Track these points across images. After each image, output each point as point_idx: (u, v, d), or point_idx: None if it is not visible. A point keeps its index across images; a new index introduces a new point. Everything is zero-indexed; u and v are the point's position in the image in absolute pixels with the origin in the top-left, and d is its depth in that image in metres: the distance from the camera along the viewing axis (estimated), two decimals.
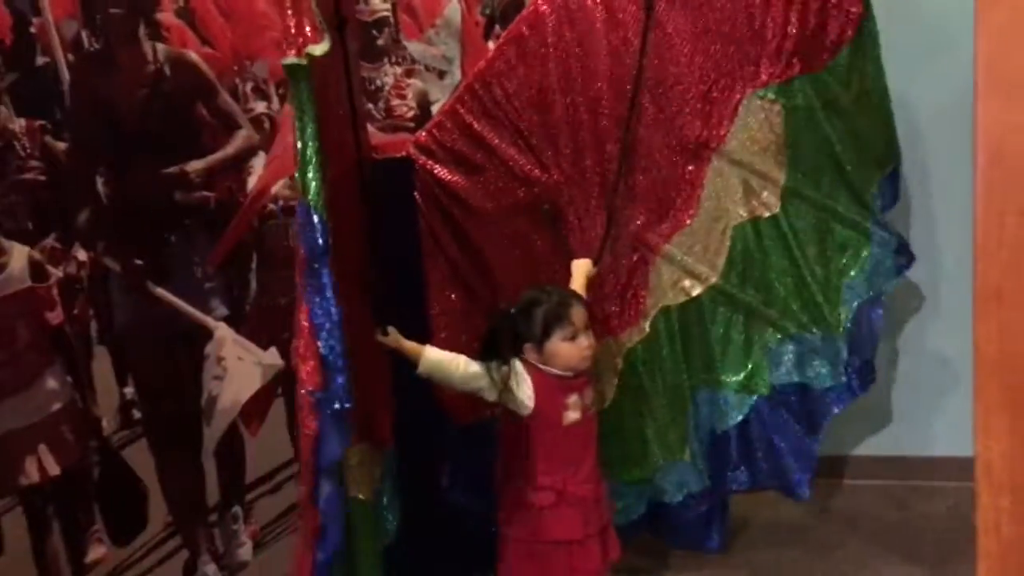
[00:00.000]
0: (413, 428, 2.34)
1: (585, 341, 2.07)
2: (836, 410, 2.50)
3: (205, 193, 2.25)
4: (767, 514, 2.83)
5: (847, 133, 2.42)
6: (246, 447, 2.38)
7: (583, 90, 2.41)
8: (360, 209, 2.13)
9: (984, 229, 0.87)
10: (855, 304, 2.48)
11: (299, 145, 1.70)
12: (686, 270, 2.49)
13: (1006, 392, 0.90)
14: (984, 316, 0.90)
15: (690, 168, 2.47)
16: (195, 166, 2.22)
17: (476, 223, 2.40)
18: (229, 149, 2.30)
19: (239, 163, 2.33)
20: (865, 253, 2.46)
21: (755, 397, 2.52)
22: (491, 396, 2.07)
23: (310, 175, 1.70)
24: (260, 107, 2.38)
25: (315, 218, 1.69)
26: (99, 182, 2.02)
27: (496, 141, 2.37)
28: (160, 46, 2.14)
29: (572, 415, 2.10)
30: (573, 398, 2.10)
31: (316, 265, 1.70)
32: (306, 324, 1.71)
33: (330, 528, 1.80)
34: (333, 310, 1.70)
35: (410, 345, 2.06)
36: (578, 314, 2.07)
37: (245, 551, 2.37)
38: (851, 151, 2.42)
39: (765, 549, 2.69)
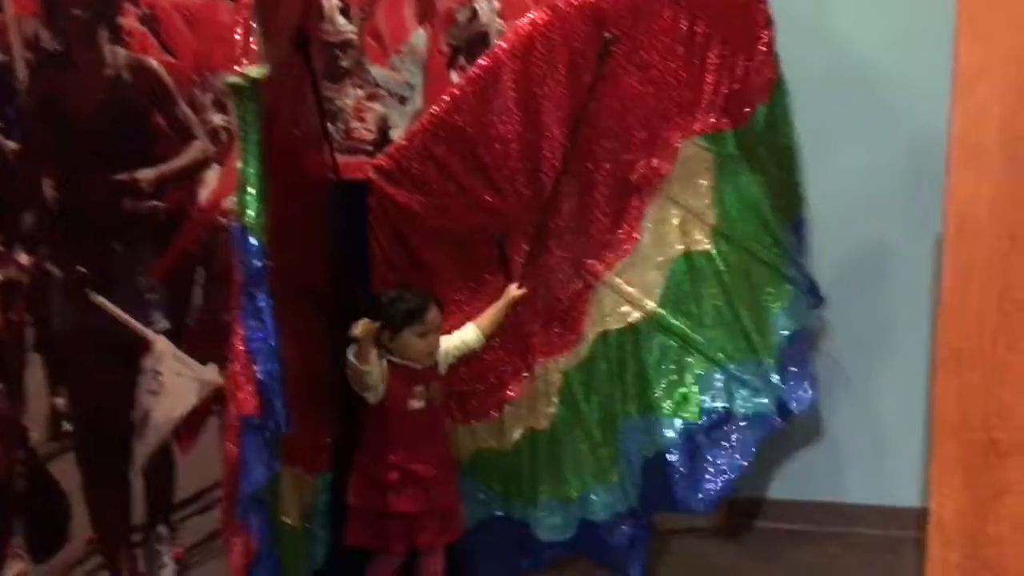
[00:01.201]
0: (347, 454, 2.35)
1: (434, 341, 2.33)
2: (760, 435, 2.64)
3: (155, 203, 2.20)
4: (685, 550, 2.92)
5: (765, 182, 2.67)
6: (177, 465, 2.31)
7: (541, 126, 2.50)
8: (321, 228, 2.12)
9: (949, 295, 0.92)
10: (782, 335, 2.68)
11: (240, 165, 1.68)
12: (626, 297, 2.64)
13: (962, 450, 0.94)
14: (944, 377, 0.94)
15: (634, 202, 2.64)
16: (146, 174, 2.18)
17: (429, 247, 2.48)
18: (182, 159, 2.26)
19: (192, 174, 2.29)
20: (785, 293, 2.69)
21: (685, 422, 2.64)
22: (374, 396, 2.28)
23: (249, 196, 1.68)
24: (218, 119, 2.34)
25: (252, 240, 1.68)
26: (47, 185, 1.96)
27: (456, 169, 2.44)
28: (120, 50, 2.09)
29: (416, 403, 2.33)
30: (419, 388, 2.33)
31: (252, 289, 1.68)
32: (242, 348, 1.69)
33: (264, 555, 1.76)
34: (271, 335, 1.67)
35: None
36: (432, 316, 2.32)
37: (168, 572, 2.30)
38: (768, 198, 2.67)
39: None
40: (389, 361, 2.30)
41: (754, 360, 2.63)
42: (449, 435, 2.52)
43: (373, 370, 2.22)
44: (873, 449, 2.96)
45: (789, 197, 2.75)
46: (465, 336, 2.46)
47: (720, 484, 2.64)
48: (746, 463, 2.64)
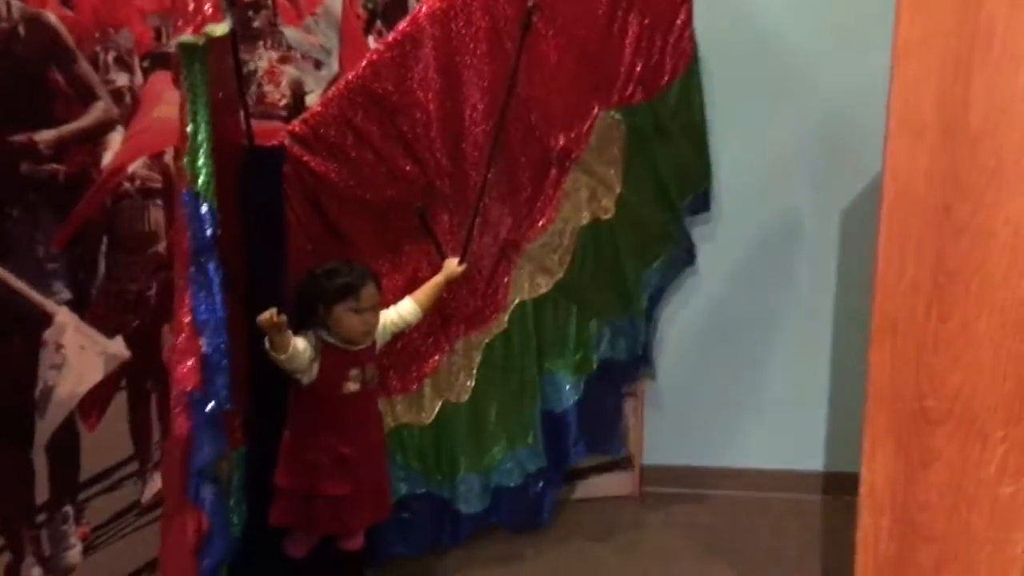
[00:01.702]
0: (263, 428, 2.28)
1: (369, 318, 2.23)
2: (636, 378, 2.97)
3: (55, 166, 2.08)
4: (599, 517, 2.98)
5: (670, 153, 2.80)
6: (82, 442, 2.21)
7: (462, 95, 2.49)
8: (234, 194, 2.04)
9: (885, 265, 0.93)
10: (648, 292, 2.90)
11: (189, 129, 1.60)
12: (541, 267, 2.75)
13: (894, 417, 0.96)
14: (879, 346, 0.95)
15: (553, 174, 2.71)
16: (45, 136, 2.05)
17: (347, 217, 2.43)
18: (84, 121, 2.13)
19: (94, 137, 2.17)
20: (666, 250, 2.88)
21: (585, 376, 2.84)
22: (307, 378, 2.20)
23: (200, 162, 1.62)
24: (122, 79, 2.22)
25: (203, 208, 1.61)
26: None
27: (374, 137, 2.40)
28: (15, 2, 1.96)
29: (352, 386, 2.26)
30: (355, 371, 2.26)
31: (203, 259, 1.62)
32: (187, 320, 1.62)
33: (216, 533, 1.71)
34: (219, 307, 1.61)
35: (289, 332, 2.09)
36: (368, 292, 2.22)
37: (74, 553, 2.21)
38: (670, 168, 2.81)
39: (605, 553, 2.79)
40: (323, 342, 2.21)
41: (629, 314, 2.86)
42: (380, 414, 2.47)
43: (295, 357, 2.13)
44: (780, 416, 3.07)
45: (697, 170, 2.85)
46: (402, 311, 2.39)
47: (614, 429, 2.98)
48: (622, 406, 3.00)
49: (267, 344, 2.07)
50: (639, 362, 2.91)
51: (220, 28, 1.60)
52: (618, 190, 2.75)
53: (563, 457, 2.87)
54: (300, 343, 2.15)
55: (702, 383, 3.09)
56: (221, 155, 1.90)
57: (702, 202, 2.93)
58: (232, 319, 2.00)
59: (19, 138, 2.00)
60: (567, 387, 2.82)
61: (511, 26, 2.47)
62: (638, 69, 2.69)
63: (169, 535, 1.78)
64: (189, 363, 1.62)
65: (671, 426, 3.12)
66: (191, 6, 1.57)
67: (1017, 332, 0.90)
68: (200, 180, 1.62)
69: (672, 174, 2.79)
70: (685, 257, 2.94)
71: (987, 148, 0.89)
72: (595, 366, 2.83)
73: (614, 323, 2.84)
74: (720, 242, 2.99)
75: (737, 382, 3.07)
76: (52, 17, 2.04)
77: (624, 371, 2.91)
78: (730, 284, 3.01)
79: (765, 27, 2.85)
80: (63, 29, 2.06)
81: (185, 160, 1.63)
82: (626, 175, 2.75)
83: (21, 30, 1.98)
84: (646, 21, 2.65)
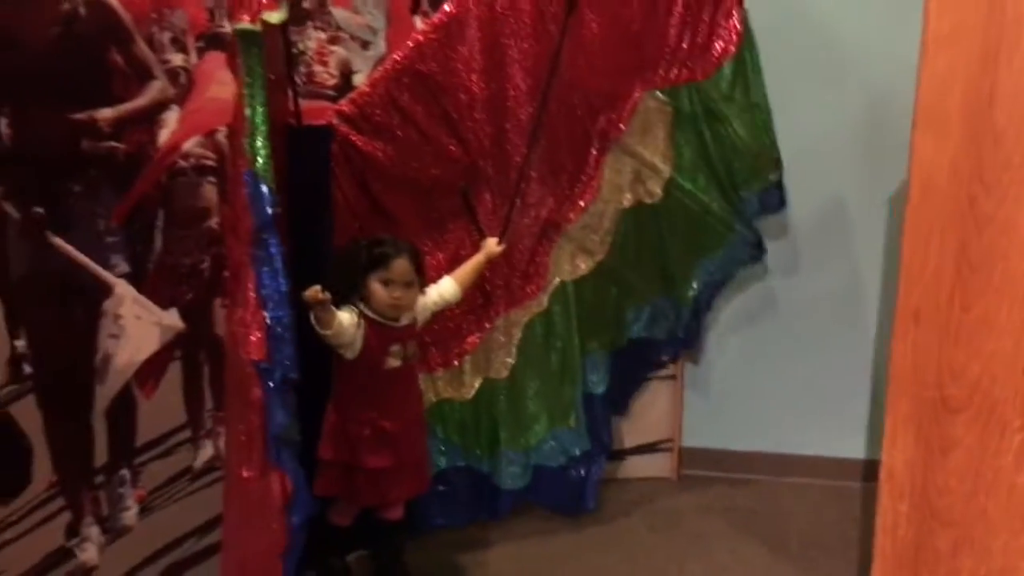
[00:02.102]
0: (309, 401, 2.35)
1: (397, 292, 2.23)
2: (665, 357, 2.96)
3: (114, 144, 2.15)
4: (639, 497, 3.00)
5: (725, 139, 2.70)
6: (138, 409, 2.30)
7: (506, 75, 2.52)
8: (282, 172, 2.10)
9: (910, 254, 0.95)
10: (706, 280, 2.84)
11: (247, 111, 1.66)
12: (581, 248, 2.75)
13: (915, 405, 0.98)
14: (902, 334, 0.97)
15: (594, 154, 2.71)
16: (105, 114, 2.12)
17: (392, 195, 2.48)
18: (141, 100, 2.21)
19: (151, 115, 2.23)
20: (725, 242, 2.79)
21: (614, 352, 2.87)
22: (350, 353, 2.24)
23: (259, 143, 1.68)
24: (177, 59, 2.29)
25: (264, 188, 1.68)
26: (2, 123, 1.91)
27: (420, 117, 2.43)
28: None
29: (393, 362, 2.30)
30: (395, 347, 2.29)
31: (264, 236, 1.69)
32: (253, 295, 1.69)
33: (300, 491, 1.82)
34: (281, 281, 1.69)
35: (333, 308, 2.13)
36: (400, 266, 2.23)
37: (131, 515, 2.30)
38: (727, 155, 2.71)
39: (642, 533, 2.82)
40: (366, 317, 2.25)
41: (672, 298, 2.84)
42: (421, 390, 2.52)
43: (340, 332, 2.17)
44: (823, 403, 3.03)
45: (760, 158, 2.71)
46: (443, 290, 2.42)
47: (630, 393, 2.99)
48: (646, 376, 3.01)
49: (312, 319, 2.14)
50: (678, 344, 2.91)
51: (276, 16, 1.66)
52: (667, 174, 2.70)
53: (605, 440, 2.88)
54: (345, 318, 2.19)
55: (743, 367, 3.08)
56: (273, 134, 1.96)
57: (774, 197, 2.77)
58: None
59: (80, 116, 2.07)
60: (602, 365, 2.85)
61: (555, 8, 2.47)
62: (684, 50, 2.64)
63: (246, 497, 1.86)
64: (257, 336, 1.69)
65: (711, 409, 3.12)
66: None
67: None
68: (259, 161, 1.68)
69: (729, 161, 2.69)
70: (750, 252, 2.81)
71: (1011, 143, 0.90)
72: (624, 342, 2.86)
73: (656, 305, 2.84)
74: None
75: (779, 367, 3.05)
76: None
77: (658, 349, 2.91)
78: (775, 268, 2.97)
79: (814, 10, 2.78)
80: (122, 10, 2.13)
81: (245, 142, 1.69)
82: (674, 159, 2.70)
83: (82, 11, 2.04)
84: (691, 2, 2.59)
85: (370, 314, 2.25)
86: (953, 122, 0.91)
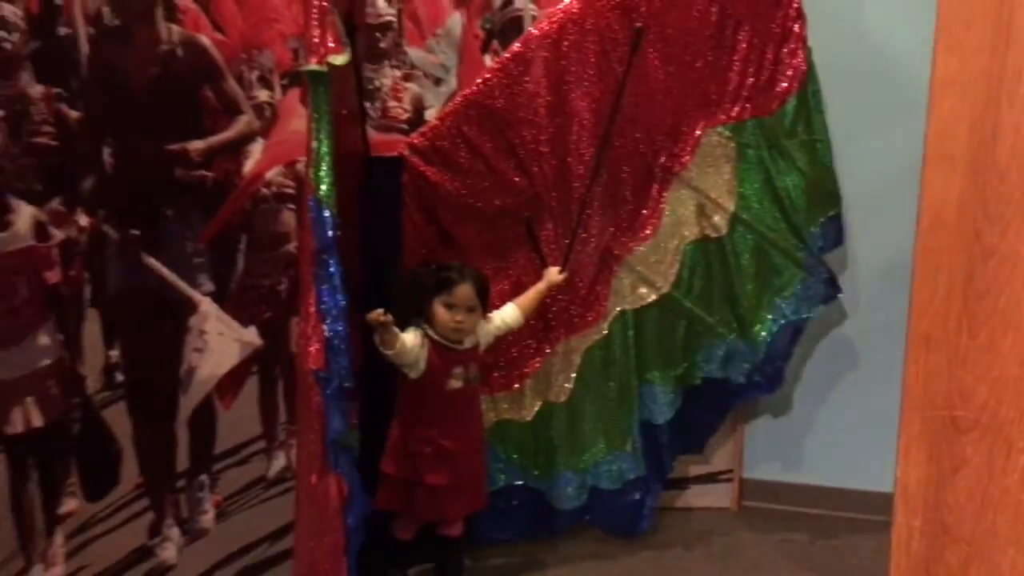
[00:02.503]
0: (375, 417, 2.46)
1: (459, 316, 2.34)
2: (744, 399, 2.91)
3: (203, 172, 2.32)
4: (698, 527, 3.01)
5: (790, 174, 2.70)
6: (218, 419, 2.45)
7: (570, 108, 2.60)
8: (354, 200, 2.24)
9: (920, 284, 1.01)
10: (780, 322, 2.77)
11: (313, 144, 1.81)
12: (643, 279, 2.76)
13: (926, 425, 1.04)
14: (914, 359, 1.04)
15: (655, 188, 2.73)
16: (196, 146, 2.30)
17: (459, 224, 2.59)
18: (230, 132, 2.38)
19: (238, 147, 2.41)
20: (796, 280, 2.74)
21: (687, 388, 2.83)
22: (414, 373, 2.34)
23: (323, 172, 1.82)
24: (263, 95, 2.46)
25: (326, 213, 1.82)
26: (106, 152, 2.09)
27: (487, 150, 2.55)
28: (175, 27, 2.22)
29: (455, 383, 2.40)
30: (458, 369, 2.39)
31: (325, 256, 1.83)
32: (313, 310, 1.83)
33: (356, 492, 1.94)
34: (339, 298, 1.82)
35: (396, 329, 2.24)
36: (463, 291, 2.34)
37: (208, 519, 2.44)
38: (793, 190, 2.70)
39: (699, 561, 2.83)
40: (430, 339, 2.36)
41: (749, 340, 2.77)
42: (482, 411, 2.61)
43: (402, 352, 2.28)
44: (885, 438, 2.93)
45: (821, 193, 2.72)
46: (505, 316, 2.51)
47: (705, 435, 2.96)
48: (724, 419, 2.96)
49: (376, 339, 2.25)
50: (757, 389, 2.83)
51: (340, 58, 1.81)
52: (731, 209, 2.70)
53: (662, 468, 2.89)
54: (409, 339, 2.31)
55: (805, 399, 3.06)
56: (344, 164, 2.11)
57: (834, 232, 2.78)
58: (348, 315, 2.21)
59: (174, 147, 2.26)
60: (667, 399, 2.81)
61: (619, 47, 2.56)
62: (747, 86, 2.66)
63: (313, 499, 1.99)
64: (316, 346, 1.83)
65: (772, 441, 3.11)
66: (316, 40, 1.78)
67: None
68: (323, 188, 1.83)
69: (795, 197, 2.69)
70: (823, 291, 2.74)
71: (1013, 179, 0.95)
72: (698, 381, 2.80)
73: (731, 345, 2.77)
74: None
75: (842, 400, 3.03)
76: (206, 40, 2.30)
77: (735, 393, 2.84)
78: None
79: (877, 47, 2.78)
80: (215, 51, 2.32)
81: (310, 171, 1.84)
82: (739, 194, 2.70)
83: (179, 52, 2.24)
84: (755, 39, 2.62)
85: (434, 336, 2.36)
86: (959, 160, 0.97)
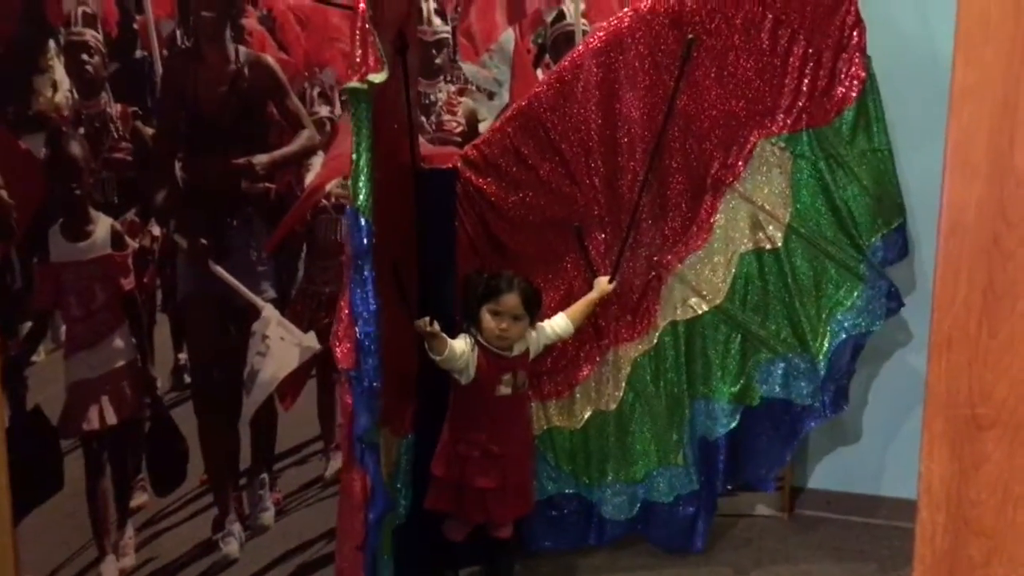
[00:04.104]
0: (430, 422, 2.56)
1: (504, 324, 2.40)
2: (811, 425, 2.76)
3: (267, 184, 2.44)
4: (747, 535, 3.02)
5: (849, 185, 2.66)
6: (278, 420, 2.55)
7: (620, 120, 2.65)
8: (411, 210, 2.33)
9: (941, 287, 1.05)
10: (841, 336, 2.70)
11: (354, 156, 1.91)
12: (695, 290, 2.74)
13: (949, 424, 1.07)
14: (936, 359, 1.07)
15: (707, 199, 2.72)
16: (261, 159, 2.42)
17: (511, 234, 2.67)
18: (293, 147, 2.49)
19: (300, 160, 2.52)
20: (856, 293, 2.68)
21: (746, 408, 2.76)
22: (464, 378, 2.41)
23: (361, 183, 1.92)
24: (324, 111, 2.58)
25: (362, 221, 1.92)
26: (177, 166, 2.22)
27: (537, 161, 2.62)
28: (242, 48, 2.34)
29: (504, 389, 2.46)
30: (507, 376, 2.45)
31: (360, 262, 1.92)
32: (347, 311, 1.93)
33: (378, 490, 2.00)
34: (372, 301, 1.91)
35: (443, 336, 2.32)
36: (509, 300, 2.41)
37: (268, 516, 2.54)
38: (852, 201, 2.66)
39: (747, 568, 2.85)
40: (480, 345, 2.43)
41: (809, 356, 2.70)
42: (531, 418, 2.66)
43: (451, 359, 2.36)
44: None
45: (884, 204, 2.67)
46: (555, 325, 2.57)
47: (774, 466, 2.82)
48: (794, 448, 2.82)
49: (426, 346, 2.34)
50: (822, 412, 2.72)
51: (379, 76, 1.91)
52: (786, 220, 2.66)
53: (715, 484, 2.84)
54: (458, 346, 2.38)
55: (857, 407, 3.04)
56: (397, 176, 2.20)
57: (899, 244, 2.71)
58: (403, 322, 2.30)
59: (240, 161, 2.37)
60: (723, 415, 2.76)
61: (670, 59, 2.59)
62: (803, 96, 2.63)
63: (344, 495, 2.08)
64: (347, 347, 1.92)
65: (823, 450, 3.13)
66: (358, 59, 1.89)
67: None
68: (360, 199, 1.93)
69: (853, 208, 2.65)
70: (885, 304, 2.68)
71: None
72: (757, 400, 2.74)
73: (789, 361, 2.72)
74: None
75: (894, 408, 3.01)
76: (270, 60, 2.42)
77: (799, 415, 2.74)
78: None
79: (940, 55, 2.75)
80: (279, 69, 2.44)
81: (349, 182, 1.95)
82: (795, 205, 2.67)
83: (246, 71, 2.36)
84: (811, 48, 2.59)
85: (484, 343, 2.44)
86: (979, 166, 1.01)
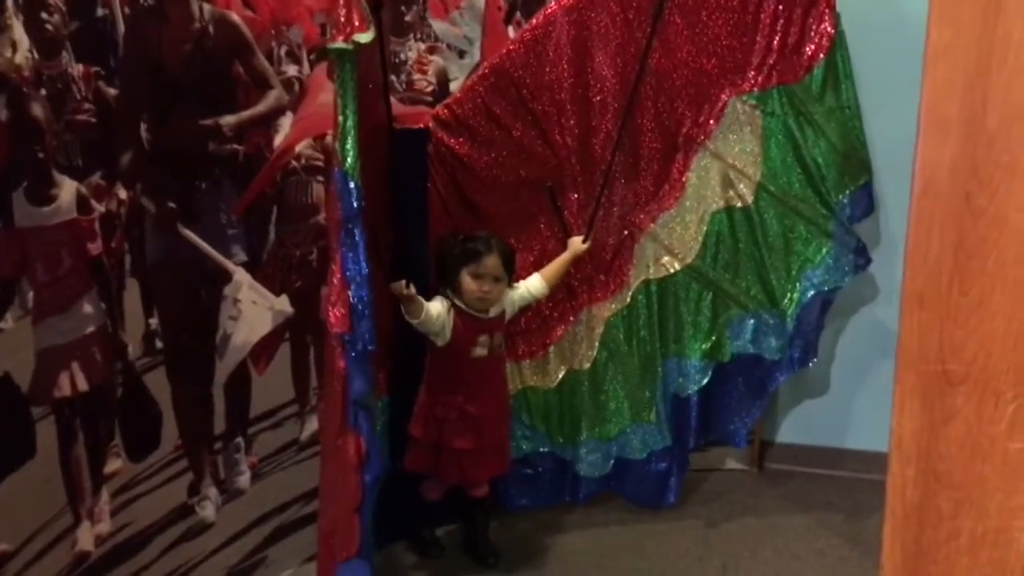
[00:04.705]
0: (405, 383, 2.56)
1: (486, 286, 2.40)
2: (781, 379, 2.82)
3: (235, 146, 2.40)
4: (718, 488, 3.08)
5: (818, 142, 2.67)
6: (252, 384, 2.54)
7: (592, 78, 2.64)
8: (385, 171, 2.31)
9: (914, 245, 1.07)
10: (809, 293, 2.74)
11: (340, 119, 1.89)
12: (667, 248, 2.76)
13: (920, 379, 1.10)
14: (908, 316, 1.09)
15: (679, 157, 2.74)
16: (228, 120, 2.37)
17: (483, 194, 2.65)
18: (261, 107, 2.45)
19: (268, 121, 2.48)
20: (825, 250, 2.72)
21: (718, 364, 2.80)
22: (440, 340, 2.41)
23: (348, 146, 1.89)
24: (292, 70, 2.53)
25: (351, 184, 1.89)
26: (143, 128, 2.17)
27: (509, 120, 2.60)
28: (206, 6, 2.28)
29: (480, 351, 2.47)
30: (483, 337, 2.46)
31: (350, 225, 1.90)
32: (339, 276, 1.91)
33: (373, 452, 2.02)
34: (363, 265, 1.90)
35: (419, 299, 2.32)
36: (490, 261, 2.41)
37: (244, 479, 2.54)
38: (820, 158, 2.68)
39: (718, 520, 2.91)
40: (456, 307, 2.44)
41: (778, 312, 2.75)
42: (506, 378, 2.68)
43: (427, 321, 2.36)
44: None
45: (851, 161, 2.69)
46: (530, 286, 2.58)
47: (746, 421, 2.87)
48: (764, 403, 2.88)
49: (403, 309, 2.33)
50: (792, 365, 2.79)
51: (365, 36, 1.87)
52: (757, 178, 2.68)
53: (688, 440, 2.89)
54: (434, 308, 2.38)
55: (825, 362, 3.08)
56: (372, 137, 2.17)
57: (865, 201, 2.73)
58: (379, 283, 2.29)
59: (207, 122, 2.33)
60: (695, 372, 2.80)
61: (642, 16, 2.58)
62: (773, 54, 2.63)
63: (333, 458, 2.08)
64: (340, 311, 1.92)
65: (793, 404, 3.18)
66: (343, 18, 1.85)
67: None
68: (348, 161, 1.90)
69: (822, 165, 2.66)
70: (853, 260, 2.72)
71: (1002, 145, 0.99)
72: (728, 356, 2.79)
73: (759, 317, 2.75)
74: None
75: (861, 362, 3.05)
76: (236, 17, 2.36)
77: (769, 370, 2.80)
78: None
79: (907, 11, 2.60)
80: (244, 27, 2.38)
81: (336, 144, 1.92)
82: (765, 163, 2.68)
83: (211, 29, 2.30)
84: (781, 5, 2.60)
85: (460, 304, 2.44)
86: (952, 125, 1.02)
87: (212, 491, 2.45)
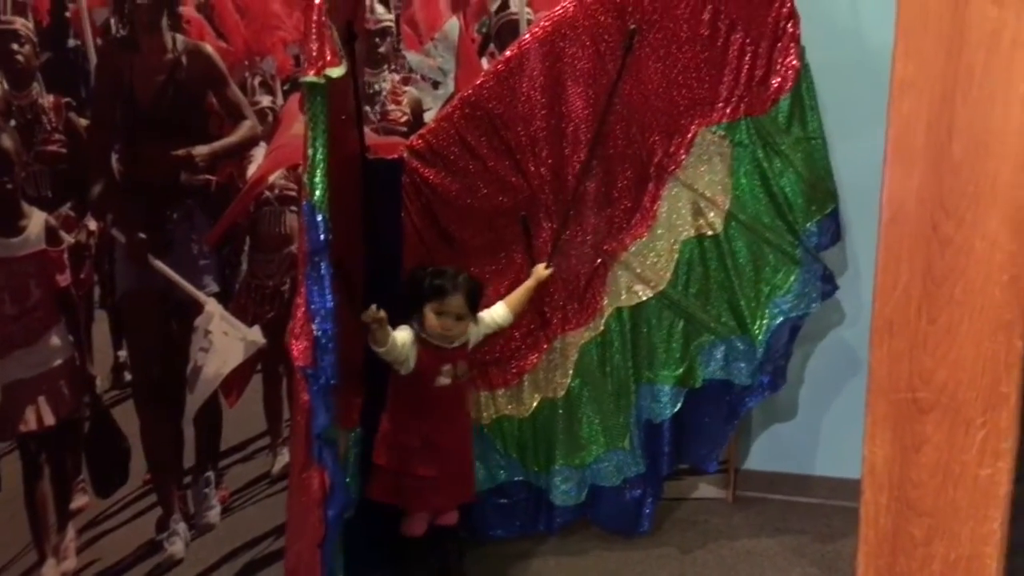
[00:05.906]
0: (377, 415, 2.54)
1: (448, 323, 2.42)
2: (750, 404, 2.84)
3: (208, 176, 2.39)
4: (692, 517, 3.07)
5: (785, 172, 2.72)
6: (223, 417, 2.52)
7: (565, 110, 2.66)
8: (358, 202, 2.31)
9: (883, 274, 1.08)
10: (779, 319, 2.77)
11: (309, 151, 1.88)
12: (639, 276, 2.79)
13: (891, 407, 1.10)
14: (878, 344, 1.10)
15: (651, 187, 2.77)
16: (201, 150, 2.36)
17: (458, 224, 2.66)
18: (234, 137, 2.45)
19: (241, 151, 2.47)
20: (793, 277, 2.75)
21: (689, 390, 2.82)
22: (404, 369, 2.40)
23: (317, 178, 1.89)
24: (265, 100, 2.54)
25: (319, 217, 1.89)
26: (114, 158, 2.16)
27: (484, 151, 2.61)
28: (179, 37, 2.28)
29: (443, 380, 2.46)
30: (447, 367, 2.46)
31: (316, 259, 1.89)
32: (303, 308, 1.90)
33: (337, 486, 1.99)
34: (328, 298, 1.88)
35: (388, 327, 2.31)
36: (454, 301, 2.42)
37: (214, 514, 2.50)
38: (788, 188, 2.72)
39: (694, 550, 2.90)
40: (420, 337, 2.43)
41: (748, 338, 2.77)
42: (471, 406, 2.67)
43: (392, 350, 2.35)
44: None
45: (818, 190, 2.73)
46: (495, 314, 2.59)
47: (717, 446, 2.90)
48: (734, 429, 2.91)
49: (369, 337, 2.32)
50: (762, 390, 2.81)
51: (337, 71, 1.88)
52: (726, 207, 2.72)
53: (661, 466, 2.89)
54: (400, 337, 2.37)
55: (798, 390, 3.11)
56: (345, 167, 2.17)
57: (833, 229, 2.77)
58: (347, 316, 2.28)
59: (180, 152, 2.32)
60: (668, 398, 2.82)
61: (613, 48, 2.61)
62: (740, 86, 2.69)
63: (298, 493, 2.06)
64: (304, 344, 1.90)
65: (767, 432, 3.19)
66: (314, 52, 1.86)
67: (993, 333, 1.03)
68: (317, 194, 1.90)
69: (789, 194, 2.70)
70: (820, 287, 2.74)
71: (967, 175, 1.01)
72: (700, 382, 2.81)
73: (730, 343, 2.78)
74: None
75: (834, 390, 3.07)
76: (209, 48, 2.36)
77: (739, 395, 2.81)
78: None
79: (871, 44, 2.77)
80: (217, 58, 2.38)
81: (305, 177, 1.92)
82: (734, 192, 2.73)
83: (184, 60, 2.30)
84: (748, 39, 2.65)
85: (424, 336, 2.44)
86: (918, 156, 1.04)
87: (181, 526, 2.42)
